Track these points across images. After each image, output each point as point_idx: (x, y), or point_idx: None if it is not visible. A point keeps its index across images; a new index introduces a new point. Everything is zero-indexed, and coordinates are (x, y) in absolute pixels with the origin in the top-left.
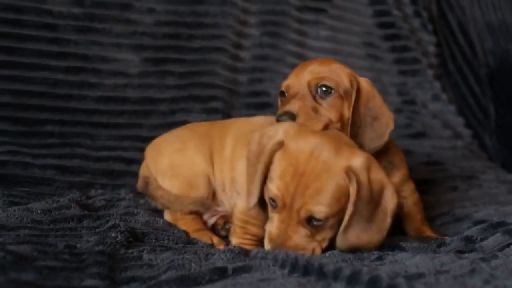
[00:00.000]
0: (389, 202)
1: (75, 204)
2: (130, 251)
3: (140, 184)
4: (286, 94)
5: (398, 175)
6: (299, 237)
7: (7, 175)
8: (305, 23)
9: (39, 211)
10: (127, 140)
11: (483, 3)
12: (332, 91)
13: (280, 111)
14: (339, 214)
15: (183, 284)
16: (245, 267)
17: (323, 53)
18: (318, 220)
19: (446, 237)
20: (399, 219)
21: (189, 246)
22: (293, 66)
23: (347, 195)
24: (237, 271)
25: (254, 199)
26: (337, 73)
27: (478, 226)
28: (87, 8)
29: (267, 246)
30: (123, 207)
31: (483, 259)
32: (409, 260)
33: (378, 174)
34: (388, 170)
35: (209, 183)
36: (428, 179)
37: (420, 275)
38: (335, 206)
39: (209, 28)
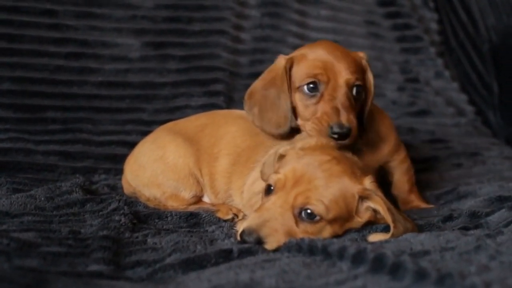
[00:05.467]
0: None
1: (78, 188)
2: (135, 235)
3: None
4: (318, 85)
5: (386, 147)
6: (280, 223)
7: (10, 162)
8: (305, 3)
9: (42, 198)
10: (129, 124)
11: None
12: (361, 90)
13: (334, 121)
14: (332, 226)
15: (188, 267)
16: (251, 249)
17: (324, 33)
18: (309, 215)
19: (432, 206)
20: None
21: (194, 228)
22: (294, 47)
23: (348, 212)
24: (243, 253)
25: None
26: (361, 66)
27: (484, 201)
28: None
29: (243, 224)
30: None
31: (488, 236)
32: (414, 237)
33: None
34: (375, 144)
35: (197, 182)
36: (432, 157)
37: (426, 252)
38: (333, 210)
39: (209, 11)
